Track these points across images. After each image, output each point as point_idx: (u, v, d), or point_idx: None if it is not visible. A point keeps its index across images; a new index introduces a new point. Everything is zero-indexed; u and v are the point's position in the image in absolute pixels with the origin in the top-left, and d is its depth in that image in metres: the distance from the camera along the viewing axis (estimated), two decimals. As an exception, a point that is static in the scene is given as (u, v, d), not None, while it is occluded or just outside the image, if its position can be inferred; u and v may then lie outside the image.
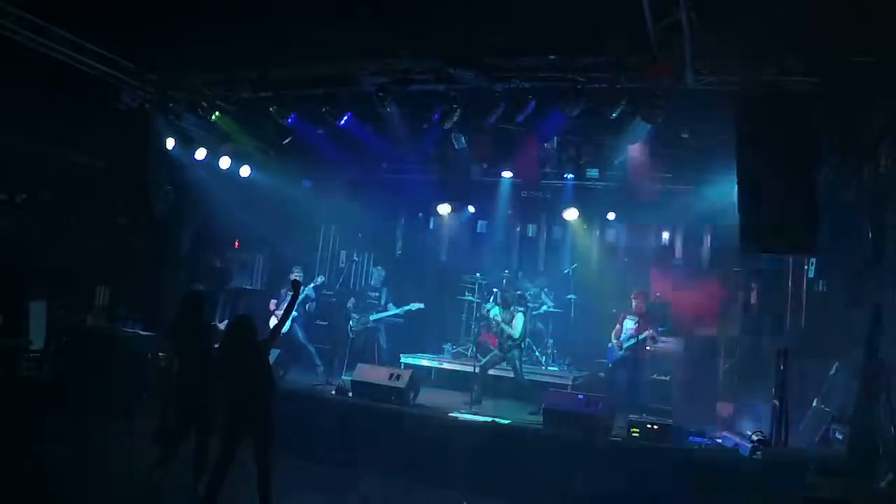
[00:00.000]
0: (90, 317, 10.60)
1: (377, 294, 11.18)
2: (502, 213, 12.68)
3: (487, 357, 9.90)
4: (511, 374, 9.82)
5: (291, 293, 6.47)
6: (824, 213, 7.12)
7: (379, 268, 11.71)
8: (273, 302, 10.77)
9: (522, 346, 9.94)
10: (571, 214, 11.81)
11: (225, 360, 5.90)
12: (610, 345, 10.24)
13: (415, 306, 10.93)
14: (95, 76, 8.88)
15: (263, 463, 5.77)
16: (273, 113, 9.42)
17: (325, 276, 11.31)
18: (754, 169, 6.96)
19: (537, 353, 11.28)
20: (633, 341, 9.79)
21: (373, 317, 10.95)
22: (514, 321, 9.68)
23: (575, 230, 12.46)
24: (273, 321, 10.48)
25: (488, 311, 10.29)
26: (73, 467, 6.73)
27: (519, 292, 11.22)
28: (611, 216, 11.88)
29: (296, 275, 10.89)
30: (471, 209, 12.52)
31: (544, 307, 11.66)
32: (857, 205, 8.30)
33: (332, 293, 11.61)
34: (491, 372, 9.99)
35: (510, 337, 9.62)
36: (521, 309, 9.98)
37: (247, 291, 12.67)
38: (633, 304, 10.15)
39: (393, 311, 10.99)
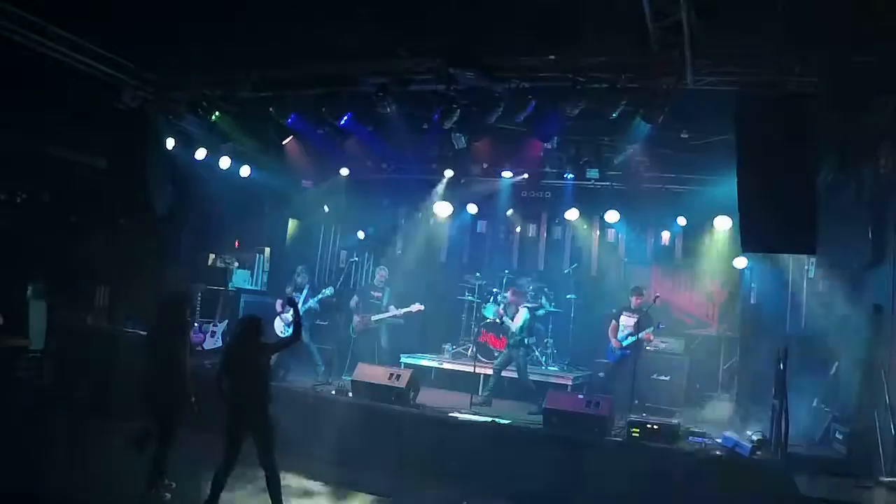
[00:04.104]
0: (90, 317, 10.60)
1: (380, 294, 11.18)
2: (502, 213, 12.71)
3: (498, 359, 9.93)
4: (512, 374, 9.83)
5: (293, 313, 6.47)
6: (824, 213, 7.11)
7: (382, 267, 11.73)
8: (279, 303, 10.74)
9: (527, 341, 9.95)
10: (573, 215, 11.85)
11: (230, 358, 5.96)
12: (610, 345, 10.25)
13: (415, 308, 10.94)
14: (95, 76, 8.86)
15: (270, 467, 5.79)
16: (273, 113, 9.42)
17: (332, 287, 11.14)
18: (754, 169, 6.96)
19: (537, 353, 11.29)
20: (633, 339, 9.78)
21: (374, 317, 10.95)
22: (517, 316, 9.73)
23: (575, 230, 12.49)
24: (278, 322, 10.48)
25: (490, 318, 10.37)
26: (73, 467, 6.73)
27: (524, 291, 11.27)
28: (611, 216, 11.88)
29: (299, 278, 10.91)
30: (471, 209, 12.51)
31: (542, 311, 11.66)
32: (857, 205, 8.31)
33: (332, 293, 11.62)
34: (489, 371, 10.04)
35: (512, 332, 9.67)
36: (527, 306, 10.01)
37: (247, 291, 12.66)
38: (632, 300, 10.16)
39: (393, 311, 11.00)
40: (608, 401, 8.07)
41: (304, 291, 10.75)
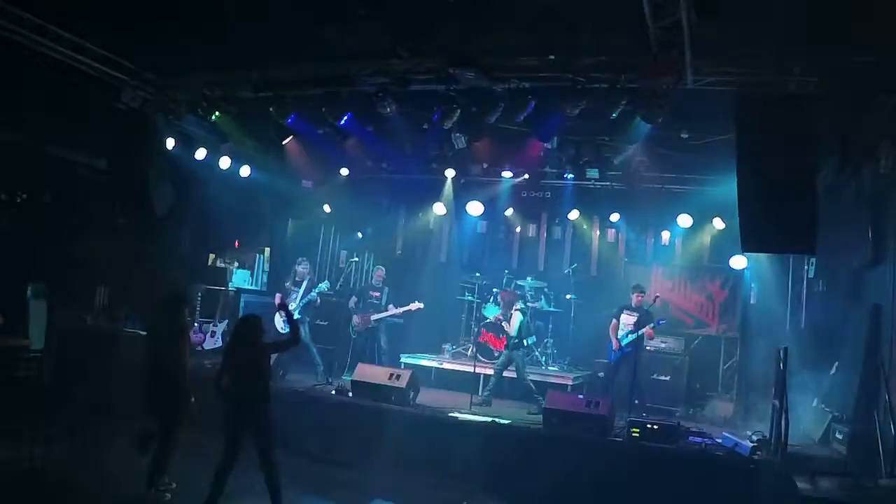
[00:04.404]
0: (90, 317, 10.60)
1: (378, 294, 11.18)
2: (502, 213, 12.72)
3: (499, 359, 9.92)
4: (513, 375, 9.83)
5: (286, 316, 6.45)
6: (824, 213, 7.11)
7: (379, 266, 11.72)
8: (278, 295, 10.70)
9: (527, 342, 9.92)
10: (574, 215, 11.89)
11: (231, 357, 5.97)
12: (610, 345, 10.24)
13: (414, 306, 10.93)
14: (95, 76, 8.87)
15: (270, 467, 5.79)
16: (273, 113, 9.42)
17: (328, 280, 11.08)
18: (754, 169, 6.96)
19: (537, 353, 11.29)
20: (633, 337, 9.77)
21: (374, 317, 10.96)
22: (511, 320, 9.74)
23: (575, 230, 12.51)
24: (278, 318, 10.46)
25: (491, 318, 10.33)
26: (73, 468, 6.73)
27: (518, 292, 11.26)
28: (612, 217, 11.90)
29: (300, 267, 10.86)
30: (471, 209, 12.52)
31: (539, 305, 11.63)
32: (857, 205, 8.31)
33: (332, 293, 11.63)
34: (489, 371, 10.08)
35: (511, 336, 9.69)
36: (520, 307, 9.99)
37: (247, 291, 12.67)
38: (632, 298, 10.14)
39: (392, 311, 11.00)
40: (608, 401, 8.06)
41: (304, 283, 10.67)
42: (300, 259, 10.95)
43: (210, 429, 6.41)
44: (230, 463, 5.75)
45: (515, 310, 9.86)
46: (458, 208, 12.51)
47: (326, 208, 13.02)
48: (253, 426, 5.82)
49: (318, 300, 10.78)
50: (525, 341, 9.92)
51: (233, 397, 5.84)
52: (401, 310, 10.96)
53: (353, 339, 10.96)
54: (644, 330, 9.69)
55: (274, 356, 9.28)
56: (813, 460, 7.11)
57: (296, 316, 10.11)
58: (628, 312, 10.07)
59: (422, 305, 10.96)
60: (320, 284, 10.74)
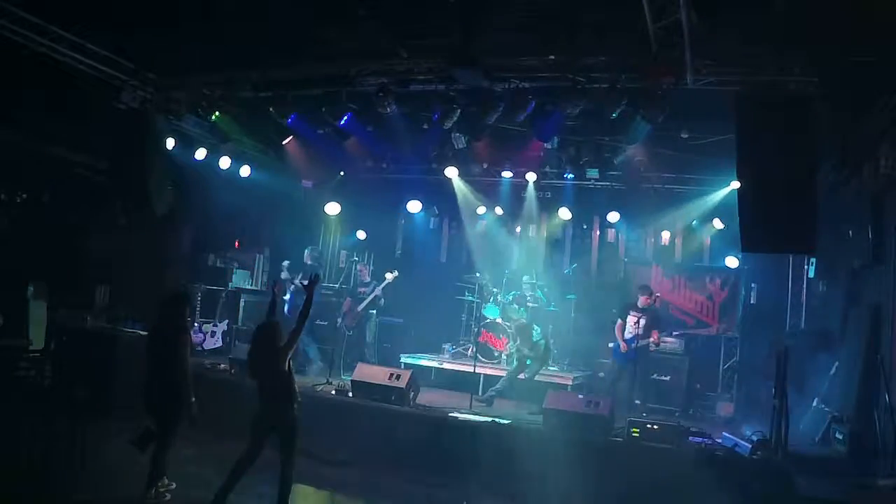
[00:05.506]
0: (90, 317, 10.61)
1: (365, 290, 11.22)
2: (502, 213, 12.71)
3: (513, 367, 9.87)
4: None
5: (306, 296, 6.39)
6: (824, 212, 7.11)
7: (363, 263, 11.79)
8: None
9: (546, 347, 9.88)
10: (565, 214, 11.85)
11: (254, 362, 6.01)
12: (611, 344, 10.22)
13: (390, 276, 11.01)
14: (95, 76, 8.87)
15: (286, 464, 5.81)
16: (273, 113, 9.43)
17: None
18: (754, 169, 6.96)
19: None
20: (642, 343, 9.70)
21: (359, 307, 10.98)
22: (533, 342, 9.67)
23: (575, 230, 12.51)
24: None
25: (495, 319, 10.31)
26: (73, 467, 6.73)
27: (516, 292, 11.24)
28: (611, 216, 11.89)
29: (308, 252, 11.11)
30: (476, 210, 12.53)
31: (536, 293, 11.61)
32: (857, 205, 8.31)
33: (332, 293, 11.63)
34: (489, 371, 10.09)
35: (532, 349, 9.62)
36: (535, 332, 9.89)
37: (247, 291, 12.67)
38: (639, 299, 10.11)
39: (372, 295, 11.07)
40: (608, 401, 8.05)
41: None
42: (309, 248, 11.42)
43: (210, 429, 6.41)
44: (250, 460, 5.77)
45: (538, 335, 9.75)
46: (457, 207, 12.51)
47: (328, 208, 13.01)
48: (278, 428, 5.86)
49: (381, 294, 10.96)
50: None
51: (260, 399, 5.89)
52: (379, 288, 11.03)
53: (349, 336, 10.97)
54: (650, 339, 9.69)
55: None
56: (813, 460, 7.11)
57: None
58: (634, 313, 10.04)
59: (396, 273, 11.05)
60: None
